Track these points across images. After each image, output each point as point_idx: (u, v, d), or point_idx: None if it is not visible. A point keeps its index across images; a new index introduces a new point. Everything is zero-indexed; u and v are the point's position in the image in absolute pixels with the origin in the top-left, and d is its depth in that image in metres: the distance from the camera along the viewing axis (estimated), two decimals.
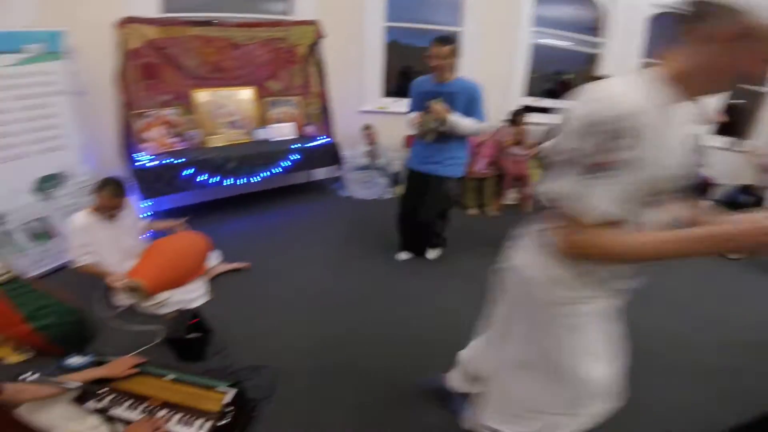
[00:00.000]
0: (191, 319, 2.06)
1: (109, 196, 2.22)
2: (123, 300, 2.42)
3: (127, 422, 1.37)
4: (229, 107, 3.64)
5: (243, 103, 3.71)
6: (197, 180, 3.21)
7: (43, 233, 2.71)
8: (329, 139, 3.99)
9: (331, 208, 3.90)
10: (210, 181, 3.26)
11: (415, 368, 1.97)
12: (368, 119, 4.20)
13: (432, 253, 3.06)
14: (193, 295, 2.45)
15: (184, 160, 3.16)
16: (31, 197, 2.62)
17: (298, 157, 3.68)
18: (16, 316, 1.89)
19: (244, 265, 2.83)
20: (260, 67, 3.73)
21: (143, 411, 1.43)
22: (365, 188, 4.13)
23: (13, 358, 2.00)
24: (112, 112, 3.15)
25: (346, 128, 4.19)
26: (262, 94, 3.80)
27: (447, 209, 2.90)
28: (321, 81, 4.11)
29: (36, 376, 1.07)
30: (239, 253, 2.92)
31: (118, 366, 1.52)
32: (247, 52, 3.62)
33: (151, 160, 3.10)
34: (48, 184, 2.69)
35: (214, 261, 2.78)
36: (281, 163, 3.59)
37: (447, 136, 2.45)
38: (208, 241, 2.68)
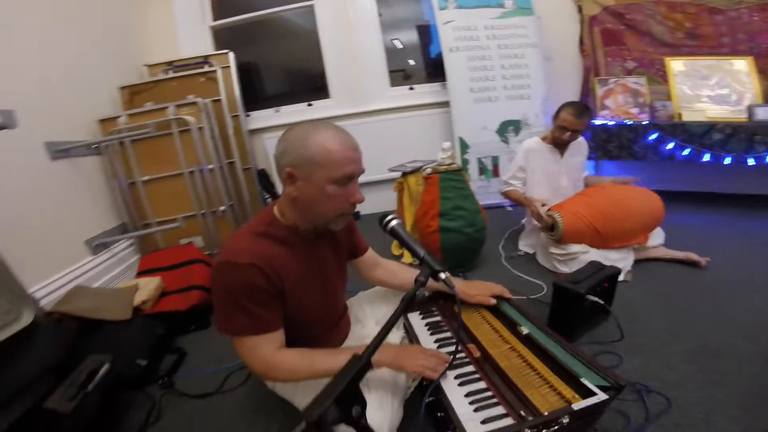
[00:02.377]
0: (604, 281, 1.40)
1: (570, 114, 1.89)
2: (525, 247, 2.18)
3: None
4: (714, 79, 2.70)
5: (735, 75, 2.67)
6: (661, 148, 2.42)
7: (488, 170, 2.79)
8: None
9: None
10: (681, 154, 2.38)
11: None
12: None
13: None
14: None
15: (648, 122, 2.52)
16: (492, 136, 2.77)
17: None
18: (435, 208, 1.89)
19: (700, 260, 1.83)
20: (758, 35, 2.71)
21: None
22: None
23: (408, 260, 2.11)
24: (573, 74, 3.05)
25: None
26: (765, 66, 2.62)
27: None
28: None
29: (399, 221, 0.91)
30: (690, 248, 1.90)
31: (477, 287, 1.22)
32: (734, 18, 2.77)
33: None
34: (508, 128, 2.77)
35: (657, 240, 1.95)
36: None
37: None
38: (662, 209, 1.90)
